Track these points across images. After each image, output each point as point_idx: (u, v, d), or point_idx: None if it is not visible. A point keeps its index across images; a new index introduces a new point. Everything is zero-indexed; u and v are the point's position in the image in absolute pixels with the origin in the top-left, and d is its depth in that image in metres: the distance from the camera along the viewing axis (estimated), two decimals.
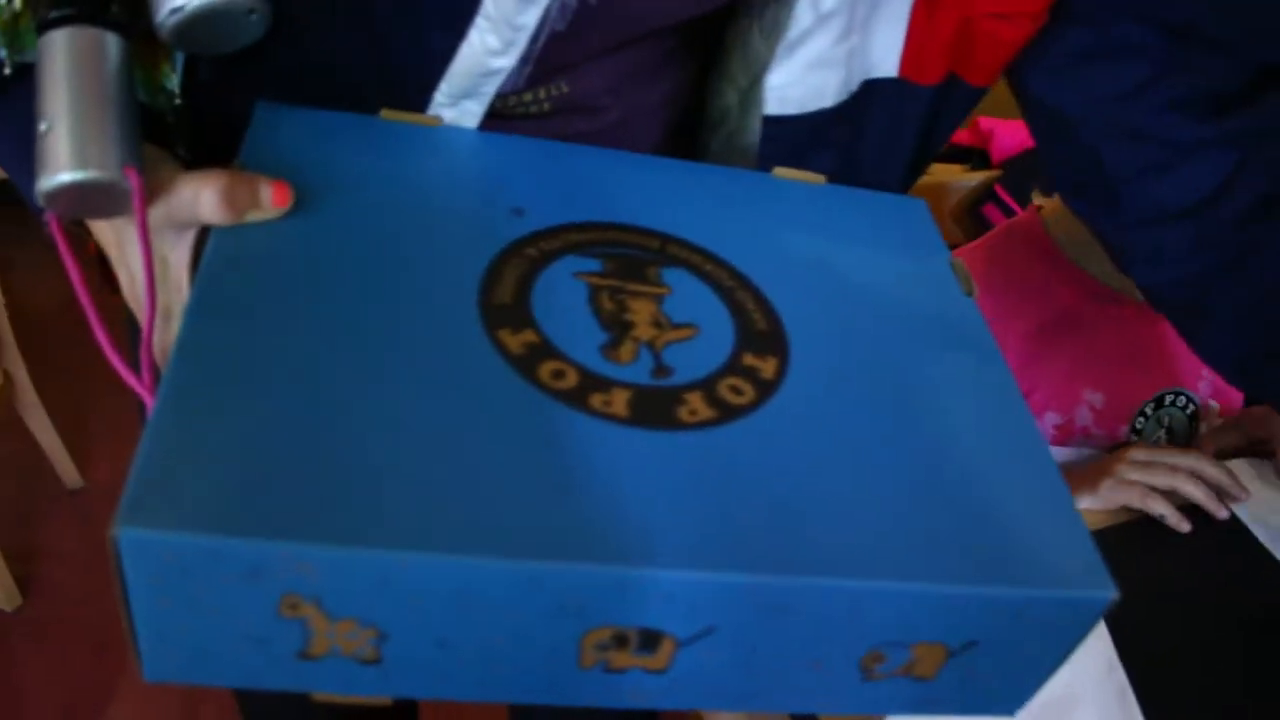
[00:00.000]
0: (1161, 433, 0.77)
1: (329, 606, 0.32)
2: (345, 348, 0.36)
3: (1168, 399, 0.77)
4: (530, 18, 0.43)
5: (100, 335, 0.39)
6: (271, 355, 0.35)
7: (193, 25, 0.39)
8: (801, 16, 0.47)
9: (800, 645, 0.36)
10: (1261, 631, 0.57)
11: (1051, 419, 0.77)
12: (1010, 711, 0.41)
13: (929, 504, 0.37)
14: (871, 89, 0.51)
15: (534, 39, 0.44)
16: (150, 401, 0.39)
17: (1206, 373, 0.78)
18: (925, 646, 0.37)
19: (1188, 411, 0.79)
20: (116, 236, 0.42)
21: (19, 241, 2.03)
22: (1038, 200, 0.80)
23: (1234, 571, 0.63)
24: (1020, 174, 0.85)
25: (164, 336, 0.41)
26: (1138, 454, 0.68)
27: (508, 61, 0.44)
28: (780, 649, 0.36)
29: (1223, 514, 0.67)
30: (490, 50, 0.44)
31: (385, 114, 0.47)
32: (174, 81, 0.44)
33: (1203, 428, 0.78)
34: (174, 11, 0.38)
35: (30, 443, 1.65)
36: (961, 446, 0.40)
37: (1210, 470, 0.67)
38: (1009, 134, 0.87)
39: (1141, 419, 0.76)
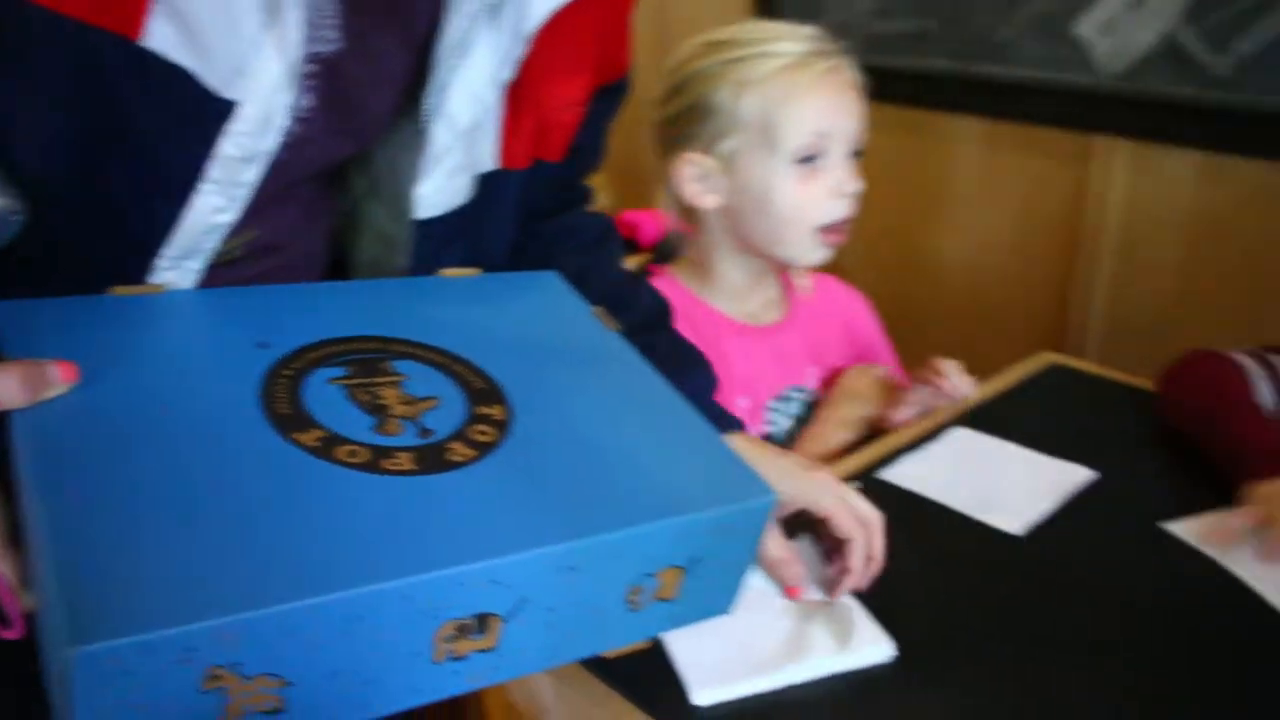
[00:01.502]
0: (791, 420, 1.04)
1: (246, 669, 0.40)
2: (178, 471, 0.44)
3: (789, 394, 1.04)
4: (253, 174, 0.52)
5: None
6: (123, 489, 0.42)
7: None
8: (440, 136, 0.60)
9: (585, 596, 0.50)
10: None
11: None
12: (727, 609, 0.58)
13: (642, 463, 0.53)
14: (482, 181, 0.66)
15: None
16: None
17: (811, 369, 1.06)
18: (667, 571, 0.52)
19: (805, 400, 1.05)
20: None
21: None
22: (662, 268, 1.05)
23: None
24: (666, 254, 1.07)
25: None
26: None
27: (231, 216, 0.53)
28: (572, 605, 0.49)
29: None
30: (216, 209, 0.52)
31: (115, 290, 0.53)
32: None
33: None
34: None
35: None
36: (650, 426, 0.57)
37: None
38: (649, 222, 1.08)
39: (772, 412, 1.02)
